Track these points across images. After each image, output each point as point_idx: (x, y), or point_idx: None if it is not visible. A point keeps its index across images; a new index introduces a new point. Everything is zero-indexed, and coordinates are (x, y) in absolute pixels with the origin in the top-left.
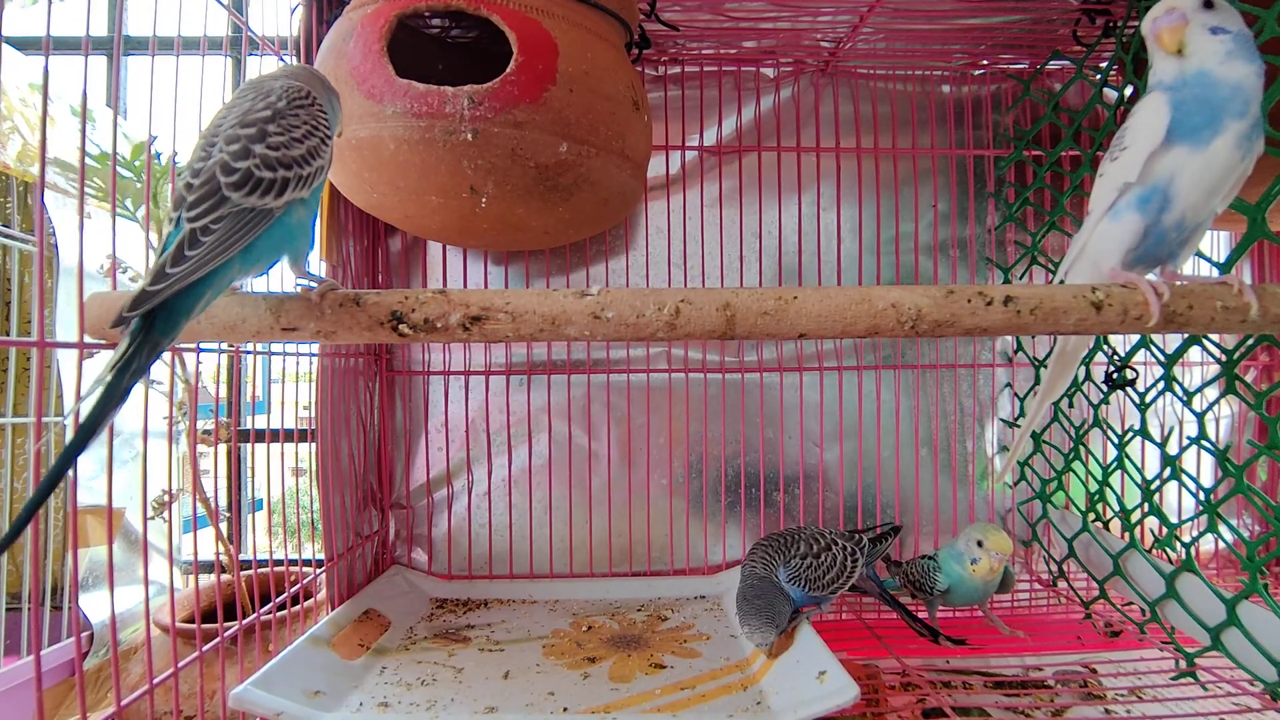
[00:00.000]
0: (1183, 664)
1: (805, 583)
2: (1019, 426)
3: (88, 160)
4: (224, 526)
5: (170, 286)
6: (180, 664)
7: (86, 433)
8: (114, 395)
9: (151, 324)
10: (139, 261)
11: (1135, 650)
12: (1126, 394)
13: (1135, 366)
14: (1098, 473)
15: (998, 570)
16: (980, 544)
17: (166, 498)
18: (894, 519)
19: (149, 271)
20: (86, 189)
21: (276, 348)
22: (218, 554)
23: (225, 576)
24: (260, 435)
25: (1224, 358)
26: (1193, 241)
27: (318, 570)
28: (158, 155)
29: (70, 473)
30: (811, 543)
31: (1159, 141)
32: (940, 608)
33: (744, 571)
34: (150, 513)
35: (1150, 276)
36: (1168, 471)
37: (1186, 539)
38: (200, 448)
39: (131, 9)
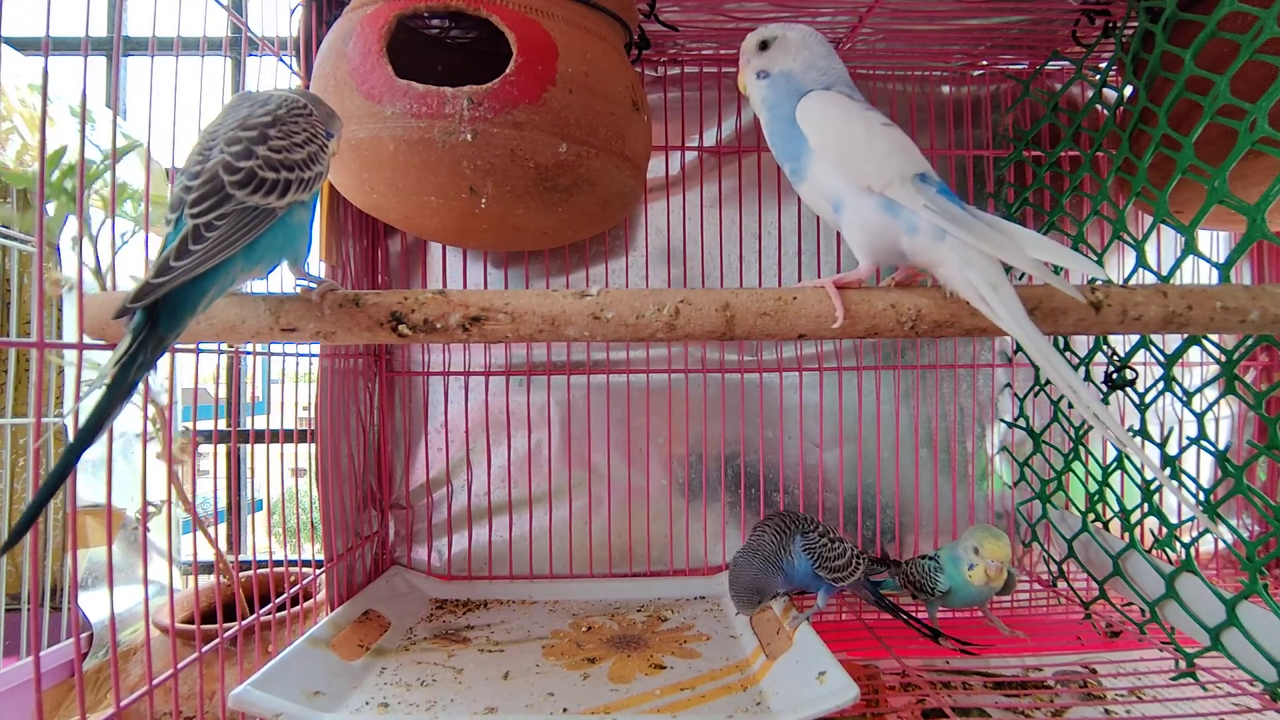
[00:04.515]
0: (1182, 664)
1: (819, 559)
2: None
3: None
4: (218, 529)
5: (175, 279)
6: (180, 665)
7: (91, 430)
8: (118, 392)
9: (155, 319)
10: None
11: (1135, 650)
12: (1126, 394)
13: (1135, 367)
14: (1098, 473)
15: (996, 576)
16: (976, 550)
17: (156, 508)
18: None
19: (152, 265)
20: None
21: (276, 348)
22: (218, 555)
23: (228, 578)
24: (260, 436)
25: (1224, 358)
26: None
27: (317, 571)
28: None
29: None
30: (826, 529)
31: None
32: (940, 608)
33: (748, 543)
34: (151, 511)
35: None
36: (1167, 471)
37: (1186, 539)
38: (200, 449)
39: (131, 9)
